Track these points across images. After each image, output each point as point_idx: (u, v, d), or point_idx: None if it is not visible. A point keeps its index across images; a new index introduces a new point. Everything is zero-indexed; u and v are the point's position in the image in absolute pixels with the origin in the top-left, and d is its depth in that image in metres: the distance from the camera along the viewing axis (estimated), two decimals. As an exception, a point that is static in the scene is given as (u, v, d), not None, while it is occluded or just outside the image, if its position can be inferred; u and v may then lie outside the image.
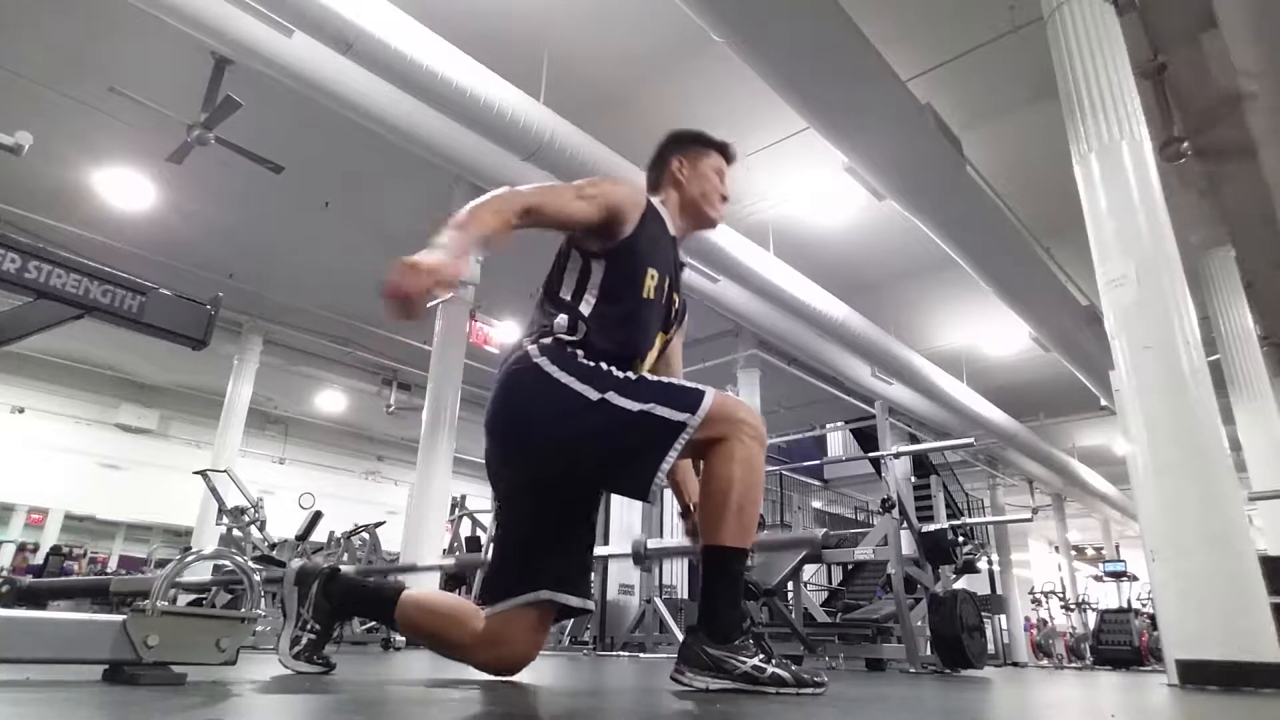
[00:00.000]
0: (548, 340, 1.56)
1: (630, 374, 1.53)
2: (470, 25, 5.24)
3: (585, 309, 1.59)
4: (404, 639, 4.85)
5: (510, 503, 1.62)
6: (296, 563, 1.62)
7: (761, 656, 1.41)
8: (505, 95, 4.93)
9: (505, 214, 1.42)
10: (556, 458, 1.51)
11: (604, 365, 1.53)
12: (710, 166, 1.85)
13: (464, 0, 5.26)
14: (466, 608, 1.58)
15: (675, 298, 1.77)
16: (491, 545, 1.66)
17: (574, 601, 1.55)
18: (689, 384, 1.53)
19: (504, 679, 1.63)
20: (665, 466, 1.42)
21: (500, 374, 1.59)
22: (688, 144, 1.88)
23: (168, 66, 5.74)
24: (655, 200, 1.77)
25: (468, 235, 1.34)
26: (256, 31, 4.45)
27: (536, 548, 1.57)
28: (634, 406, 1.45)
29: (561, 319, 1.58)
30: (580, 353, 1.54)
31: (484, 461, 1.63)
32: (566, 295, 1.62)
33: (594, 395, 1.47)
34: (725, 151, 1.90)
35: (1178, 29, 5.23)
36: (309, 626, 1.57)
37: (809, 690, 1.40)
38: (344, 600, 1.63)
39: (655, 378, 1.56)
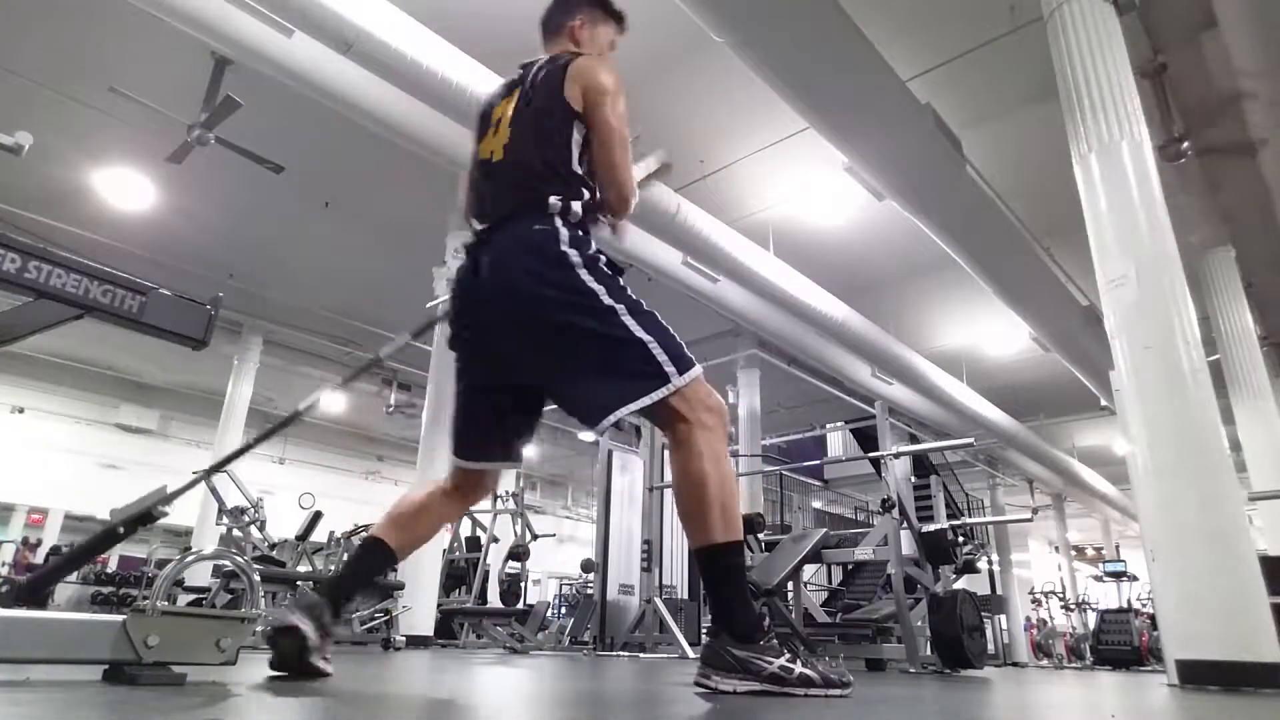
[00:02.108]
0: (575, 219, 1.55)
1: (645, 303, 1.50)
2: (470, 25, 5.24)
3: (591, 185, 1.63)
4: (404, 638, 4.85)
5: (472, 367, 1.65)
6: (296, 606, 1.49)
7: (788, 656, 1.36)
8: (505, 95, 4.92)
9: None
10: (536, 342, 1.48)
11: (620, 280, 1.51)
12: (607, 37, 1.86)
13: (465, 1, 5.26)
14: (419, 493, 1.66)
15: None
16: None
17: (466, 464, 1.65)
18: (684, 344, 1.50)
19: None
20: (629, 410, 1.39)
21: (524, 241, 1.51)
22: (592, 6, 1.86)
23: (168, 66, 5.73)
24: None
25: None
26: (256, 31, 4.45)
27: (460, 414, 1.66)
28: (636, 332, 1.42)
29: (578, 203, 1.56)
30: (604, 258, 1.53)
31: (458, 313, 1.61)
32: (581, 169, 1.60)
33: (605, 300, 1.44)
34: (622, 23, 1.90)
35: (1178, 29, 5.23)
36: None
37: (836, 691, 1.36)
38: (343, 598, 1.56)
39: (659, 317, 1.51)
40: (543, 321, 1.45)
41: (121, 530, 1.39)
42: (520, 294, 1.47)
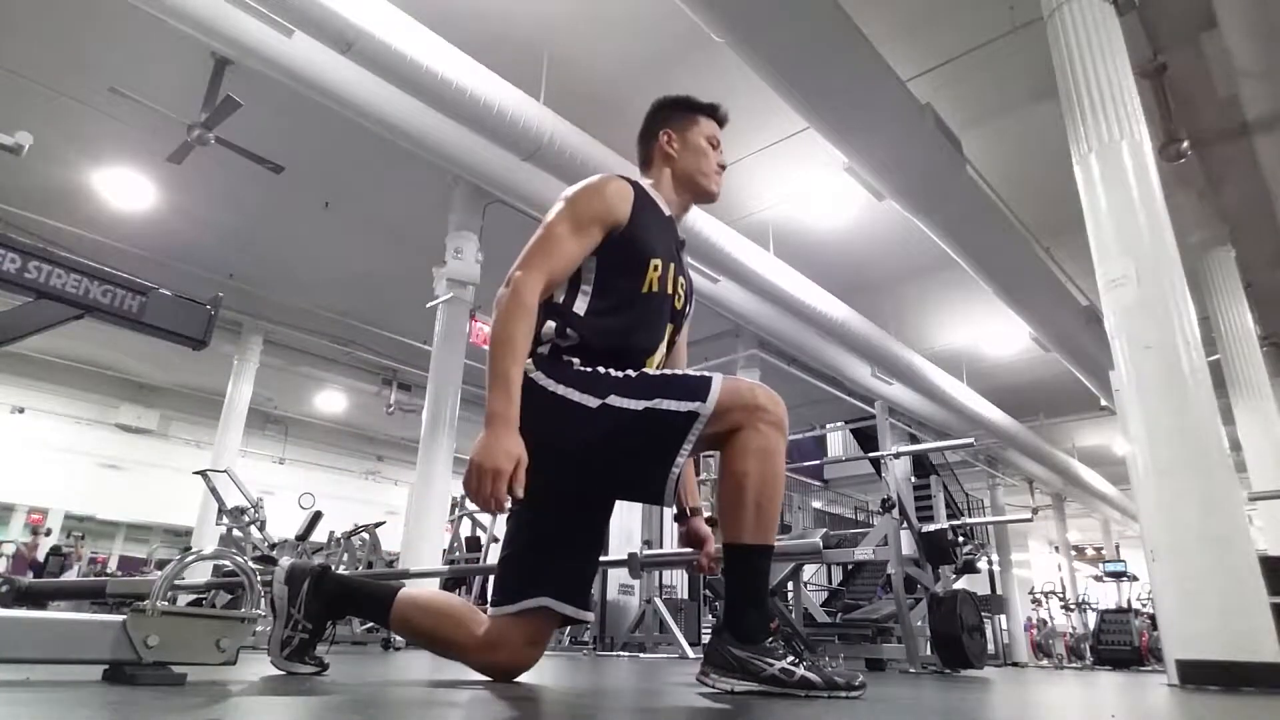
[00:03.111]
0: (542, 349, 1.49)
1: (630, 372, 1.45)
2: (471, 26, 5.25)
3: (579, 309, 1.51)
4: (404, 639, 4.84)
5: (515, 511, 1.56)
6: (287, 560, 1.59)
7: (791, 659, 1.34)
8: (505, 95, 4.93)
9: (522, 340, 1.39)
10: (563, 473, 1.44)
11: (601, 368, 1.45)
12: (701, 135, 1.75)
13: (465, 1, 5.26)
14: (465, 608, 1.56)
15: (681, 284, 1.65)
16: (501, 548, 1.57)
17: (570, 612, 1.48)
18: (694, 373, 1.45)
19: (503, 682, 1.63)
20: (679, 463, 1.35)
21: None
22: (674, 112, 1.77)
23: (168, 66, 5.74)
24: (645, 183, 1.69)
25: (509, 406, 1.34)
26: (256, 31, 4.45)
27: (539, 555, 1.51)
28: (637, 405, 1.39)
29: (550, 324, 1.49)
30: (576, 360, 1.46)
31: None
32: (558, 296, 1.53)
33: (593, 402, 1.40)
34: (715, 114, 1.79)
35: (1178, 29, 5.23)
36: (300, 626, 1.50)
37: (842, 694, 1.32)
38: (336, 599, 1.56)
39: (658, 372, 1.48)
40: (562, 450, 1.42)
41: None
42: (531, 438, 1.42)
